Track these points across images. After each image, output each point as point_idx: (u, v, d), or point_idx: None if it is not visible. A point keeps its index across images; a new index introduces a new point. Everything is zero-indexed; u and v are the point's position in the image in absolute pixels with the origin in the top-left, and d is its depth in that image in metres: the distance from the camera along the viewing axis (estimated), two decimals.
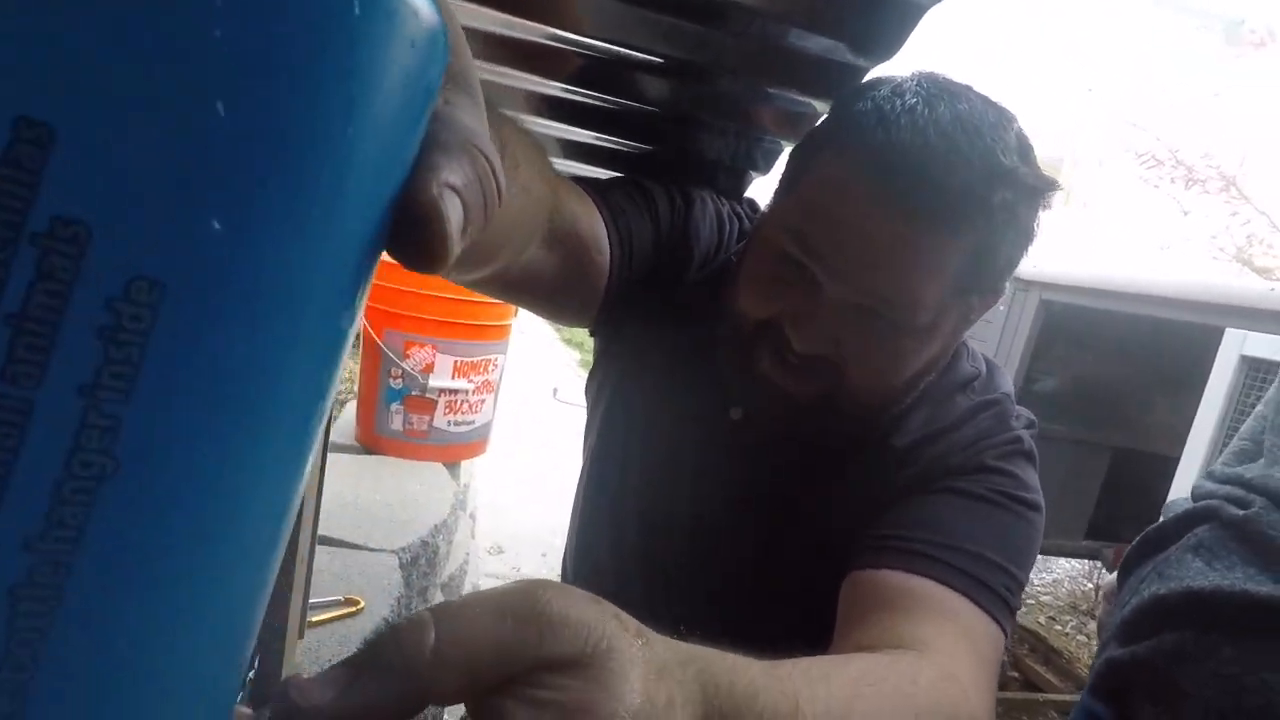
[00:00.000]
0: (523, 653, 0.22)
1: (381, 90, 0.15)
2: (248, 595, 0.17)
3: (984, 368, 0.64)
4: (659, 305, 0.65)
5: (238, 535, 0.16)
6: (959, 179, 0.47)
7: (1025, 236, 0.52)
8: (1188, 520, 0.55)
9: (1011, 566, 0.52)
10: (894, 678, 0.39)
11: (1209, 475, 0.58)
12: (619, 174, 1.01)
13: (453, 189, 0.18)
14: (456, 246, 0.18)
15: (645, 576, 0.74)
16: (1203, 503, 0.54)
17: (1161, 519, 0.59)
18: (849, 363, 0.53)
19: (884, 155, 0.48)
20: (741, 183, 0.96)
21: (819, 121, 0.58)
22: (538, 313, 0.69)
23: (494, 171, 0.20)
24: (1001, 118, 0.50)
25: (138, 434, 0.13)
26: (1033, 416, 0.63)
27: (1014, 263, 0.53)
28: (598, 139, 0.89)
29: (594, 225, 0.57)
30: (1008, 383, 0.65)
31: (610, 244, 0.58)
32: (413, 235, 0.18)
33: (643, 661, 0.25)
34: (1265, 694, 0.44)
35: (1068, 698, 2.51)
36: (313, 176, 0.14)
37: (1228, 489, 0.53)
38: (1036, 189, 0.50)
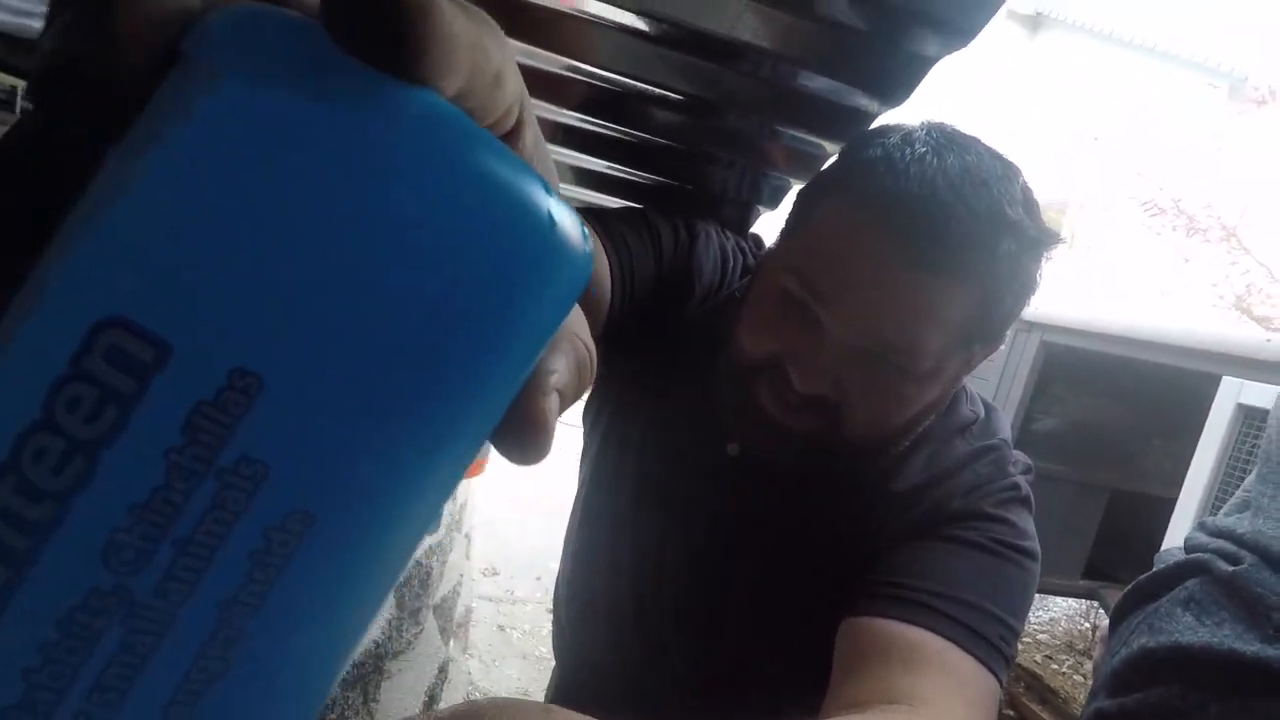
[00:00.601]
0: None
1: (540, 322, 0.16)
2: None
3: (982, 411, 0.65)
4: (659, 337, 0.65)
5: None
6: (965, 229, 0.48)
7: (1028, 287, 0.53)
8: (1179, 572, 0.55)
9: (1008, 617, 0.52)
10: None
11: (1202, 527, 0.58)
12: (627, 202, 1.02)
13: (559, 391, 0.19)
14: (553, 440, 0.20)
15: (639, 609, 0.74)
16: (1194, 555, 0.54)
17: (1155, 568, 0.59)
18: (849, 404, 0.53)
19: (892, 202, 0.48)
20: (748, 217, 0.97)
21: (827, 164, 0.59)
22: None
23: (590, 359, 0.21)
24: (1008, 170, 0.51)
25: (254, 641, 0.14)
26: (1029, 461, 0.63)
27: (1016, 313, 0.54)
28: (608, 168, 0.91)
29: (596, 257, 0.57)
30: (1006, 427, 0.65)
31: (612, 275, 0.58)
32: (520, 439, 0.18)
33: None
34: None
35: None
36: (466, 415, 0.16)
37: (1219, 543, 0.53)
38: (1040, 241, 0.51)
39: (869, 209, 0.50)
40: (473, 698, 2.09)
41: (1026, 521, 0.58)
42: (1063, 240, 0.53)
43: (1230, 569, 0.50)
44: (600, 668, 0.84)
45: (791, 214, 0.58)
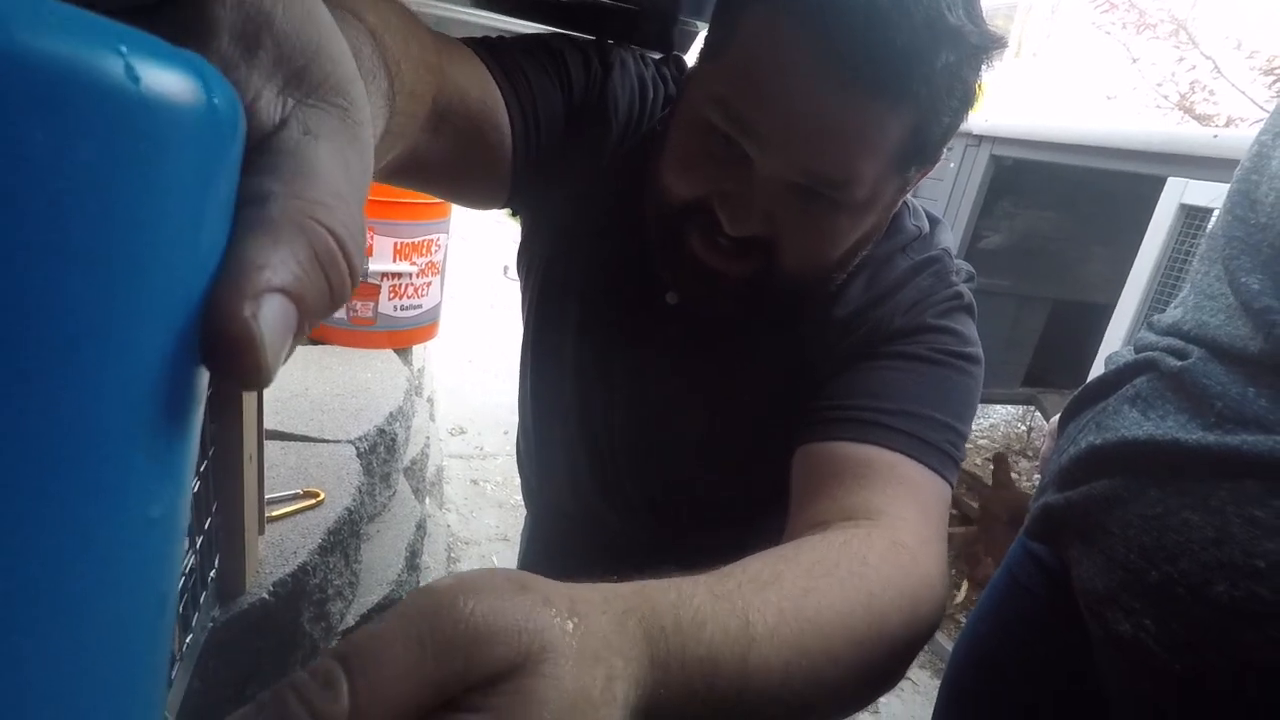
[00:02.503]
0: (450, 684, 0.20)
1: (146, 213, 0.13)
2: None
3: (926, 225, 0.62)
4: (581, 181, 0.59)
5: None
6: (903, 42, 0.43)
7: (967, 100, 0.48)
8: (1128, 371, 0.56)
9: (954, 421, 0.53)
10: (845, 561, 0.40)
11: (1150, 326, 0.59)
12: (535, 26, 0.93)
13: (280, 291, 0.15)
14: (278, 366, 0.15)
15: (593, 459, 0.75)
16: (1144, 354, 0.55)
17: (1105, 369, 0.60)
18: (782, 242, 0.50)
19: (822, 12, 0.43)
20: (669, 30, 0.89)
21: None
22: (439, 197, 0.63)
23: (343, 247, 0.16)
24: None
25: None
26: (971, 269, 0.62)
27: (955, 129, 0.50)
28: None
29: (487, 97, 0.50)
30: (948, 238, 0.63)
31: (511, 115, 0.52)
32: (222, 361, 0.14)
33: (576, 652, 0.23)
34: (1184, 532, 0.46)
35: None
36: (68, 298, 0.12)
37: (1168, 340, 0.54)
38: (981, 48, 0.46)
39: (797, 22, 0.44)
40: (453, 548, 2.19)
41: (969, 328, 0.58)
42: (1005, 44, 0.48)
43: (1178, 364, 0.51)
44: (565, 512, 0.86)
45: (712, 30, 0.51)
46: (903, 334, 0.56)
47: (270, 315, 0.14)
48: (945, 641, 1.97)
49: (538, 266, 0.68)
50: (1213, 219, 1.68)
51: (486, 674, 0.21)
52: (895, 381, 0.53)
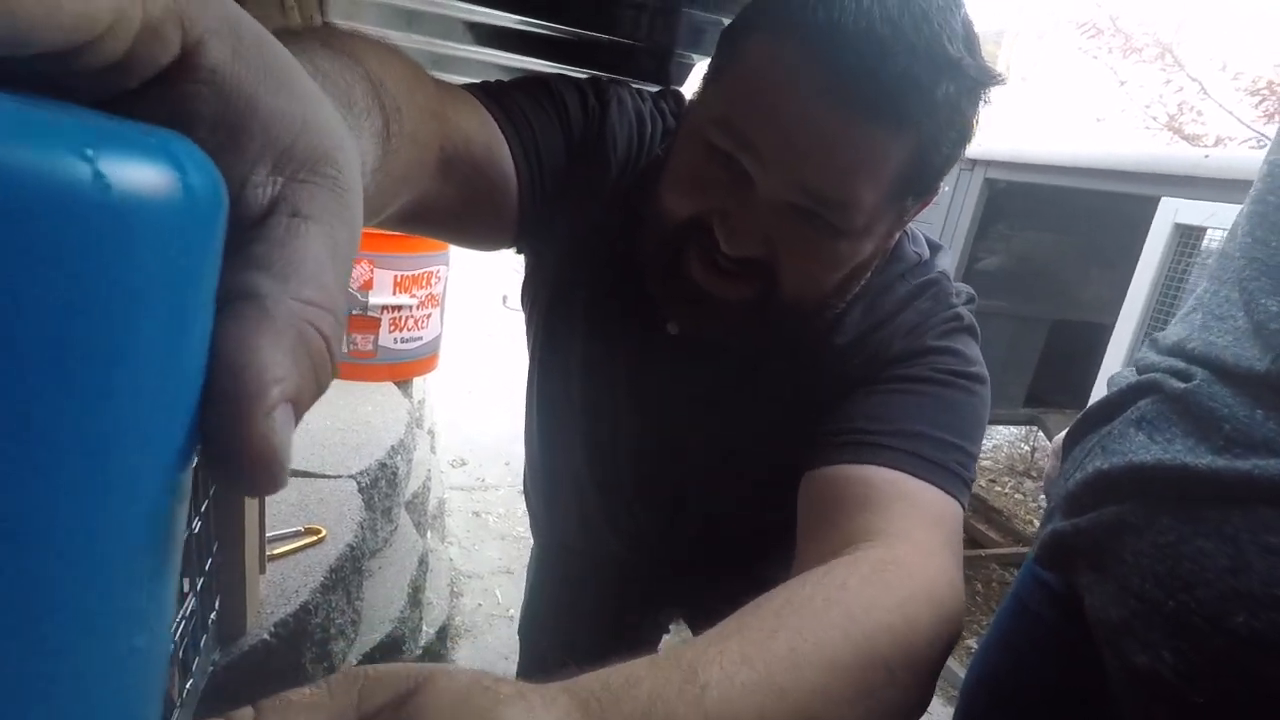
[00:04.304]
0: (346, 713, 0.22)
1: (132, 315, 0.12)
2: None
3: (926, 251, 0.62)
4: (582, 216, 0.59)
5: None
6: (903, 69, 0.43)
7: (965, 134, 0.49)
8: (1131, 393, 0.55)
9: (962, 441, 0.53)
10: (821, 591, 0.39)
11: (1153, 344, 0.59)
12: (539, 62, 0.94)
13: (291, 402, 0.15)
14: (289, 463, 0.15)
15: (601, 491, 0.74)
16: (1146, 375, 0.54)
17: (1108, 391, 0.60)
18: (780, 265, 0.50)
19: (825, 39, 0.44)
20: (666, 67, 0.91)
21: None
22: (448, 242, 0.64)
23: (329, 350, 0.16)
24: (949, 2, 0.46)
25: None
26: (972, 291, 0.63)
27: (952, 162, 0.50)
28: (520, 23, 0.83)
29: (491, 142, 0.51)
30: (948, 262, 0.63)
31: (515, 159, 0.52)
32: (246, 480, 0.14)
33: (476, 673, 0.24)
34: (1199, 560, 0.46)
35: (1007, 550, 2.73)
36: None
37: (1170, 361, 0.53)
38: (980, 82, 0.47)
39: (800, 48, 0.45)
40: (455, 582, 2.16)
41: (971, 348, 0.58)
42: (1002, 80, 0.49)
43: (1181, 386, 0.50)
44: (572, 544, 0.85)
45: (716, 56, 0.52)
46: (903, 357, 0.56)
47: (282, 425, 0.15)
48: (958, 668, 1.94)
49: (542, 301, 0.68)
50: (1207, 238, 1.68)
51: (380, 701, 0.22)
52: (896, 404, 0.53)
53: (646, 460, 0.69)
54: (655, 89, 0.66)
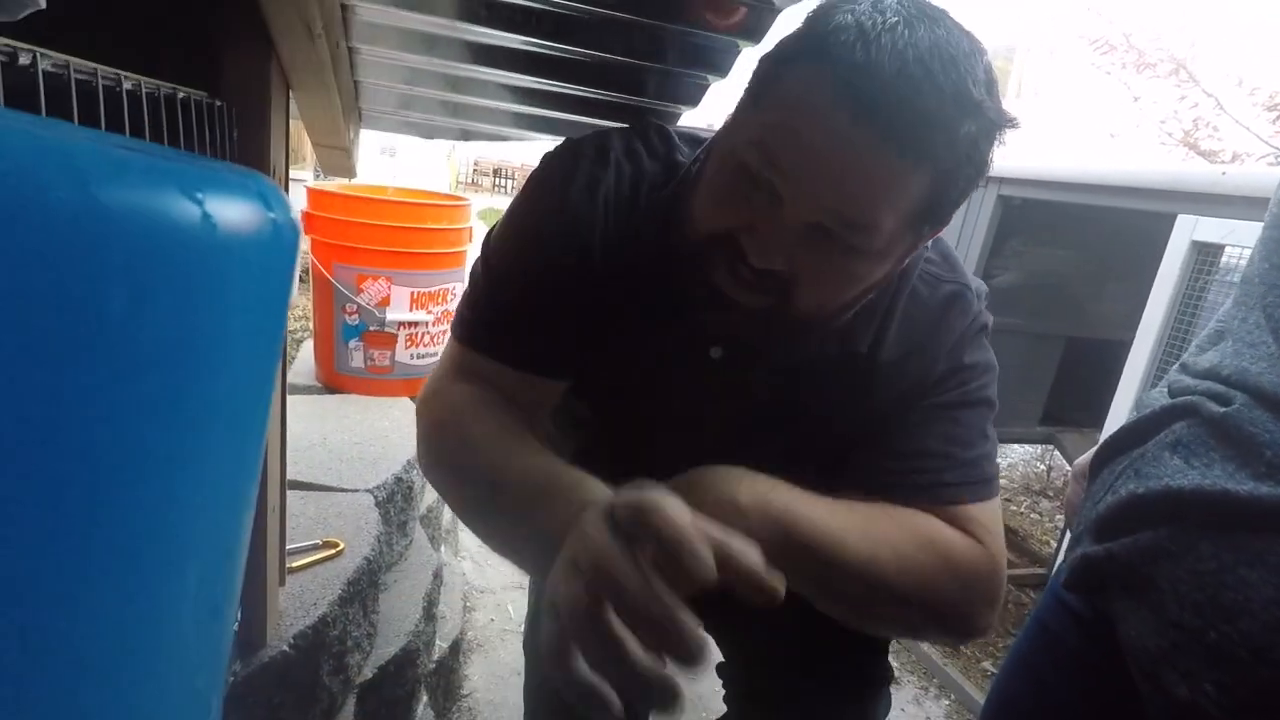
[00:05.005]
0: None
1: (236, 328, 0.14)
2: None
3: (935, 254, 0.68)
4: (614, 277, 0.65)
5: None
6: (931, 107, 0.47)
7: (980, 171, 0.53)
8: (1166, 416, 0.55)
9: (990, 447, 0.64)
10: (875, 507, 0.57)
11: (1184, 368, 0.58)
12: (573, 86, 0.96)
13: None
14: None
15: None
16: (1182, 399, 0.54)
17: (1136, 413, 0.59)
18: (799, 281, 0.54)
19: (862, 75, 0.47)
20: (678, 88, 0.93)
21: (792, 32, 0.55)
22: None
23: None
24: (974, 48, 0.50)
25: None
26: (983, 284, 0.69)
27: (966, 195, 0.54)
28: (540, 46, 0.84)
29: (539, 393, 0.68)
30: (960, 264, 0.69)
31: (551, 385, 0.67)
32: None
33: None
34: (1242, 590, 0.45)
35: (1023, 572, 2.69)
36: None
37: (1207, 384, 0.53)
38: (997, 124, 0.51)
39: (837, 81, 0.48)
40: (469, 596, 2.16)
41: (988, 350, 0.67)
42: (1018, 124, 0.53)
43: (1221, 410, 0.50)
44: None
45: (753, 84, 0.55)
46: (945, 380, 0.63)
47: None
48: (976, 693, 1.92)
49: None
50: (1225, 255, 1.67)
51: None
52: (945, 435, 0.62)
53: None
54: (623, 128, 0.70)
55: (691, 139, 0.69)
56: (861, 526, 0.56)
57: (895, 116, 0.47)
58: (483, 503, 0.59)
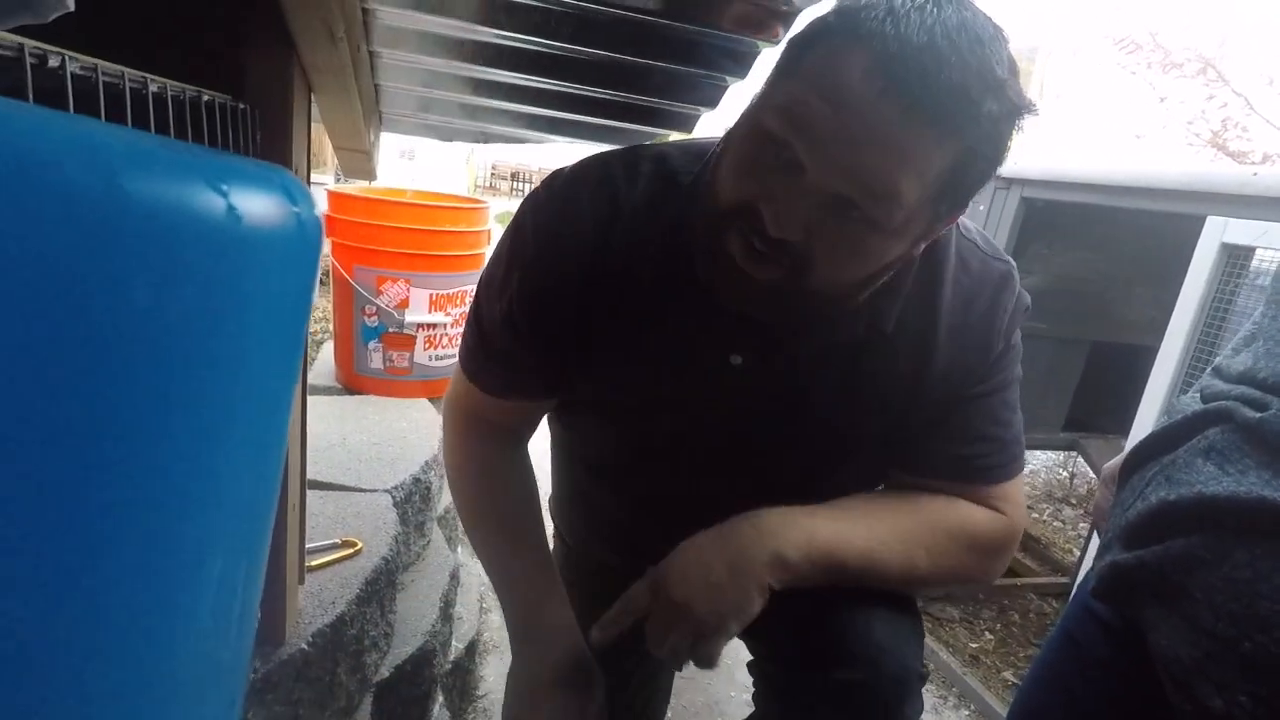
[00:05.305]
0: None
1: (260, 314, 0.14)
2: None
3: (980, 233, 0.69)
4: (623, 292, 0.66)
5: None
6: (957, 82, 0.48)
7: (999, 154, 0.53)
8: (1198, 421, 0.54)
9: (1021, 423, 0.69)
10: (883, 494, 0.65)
11: (1217, 373, 0.57)
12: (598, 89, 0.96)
13: None
14: None
15: (664, 522, 0.76)
16: (1215, 404, 0.53)
17: (1167, 418, 0.58)
18: (815, 254, 0.54)
19: (891, 47, 0.48)
20: (696, 89, 0.93)
21: (823, 14, 0.56)
22: None
23: None
24: (998, 33, 0.51)
25: None
26: (1014, 264, 0.71)
27: (986, 178, 0.55)
28: (560, 49, 0.84)
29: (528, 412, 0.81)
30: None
31: (539, 404, 0.79)
32: None
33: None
34: (1278, 598, 0.44)
35: (1045, 580, 2.65)
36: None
37: (1242, 389, 0.52)
38: (1019, 108, 0.52)
39: (867, 52, 0.49)
40: (485, 597, 2.16)
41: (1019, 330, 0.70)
42: (1036, 111, 0.54)
43: (1256, 415, 0.49)
44: (608, 560, 0.86)
45: (781, 61, 0.56)
46: (999, 361, 0.67)
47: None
48: (998, 705, 1.89)
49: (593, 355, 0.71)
50: (1256, 258, 1.63)
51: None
52: (996, 417, 0.67)
53: (716, 490, 0.71)
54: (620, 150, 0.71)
55: (689, 151, 0.69)
56: (897, 535, 0.63)
57: (921, 87, 0.48)
58: (482, 559, 0.79)
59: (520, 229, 0.68)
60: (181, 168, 0.11)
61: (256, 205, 0.13)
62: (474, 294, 0.76)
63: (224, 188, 0.12)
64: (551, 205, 0.66)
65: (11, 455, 0.11)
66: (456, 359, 0.80)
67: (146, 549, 0.12)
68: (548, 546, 0.80)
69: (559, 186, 0.67)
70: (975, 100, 0.49)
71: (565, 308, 0.66)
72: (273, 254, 0.13)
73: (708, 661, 0.62)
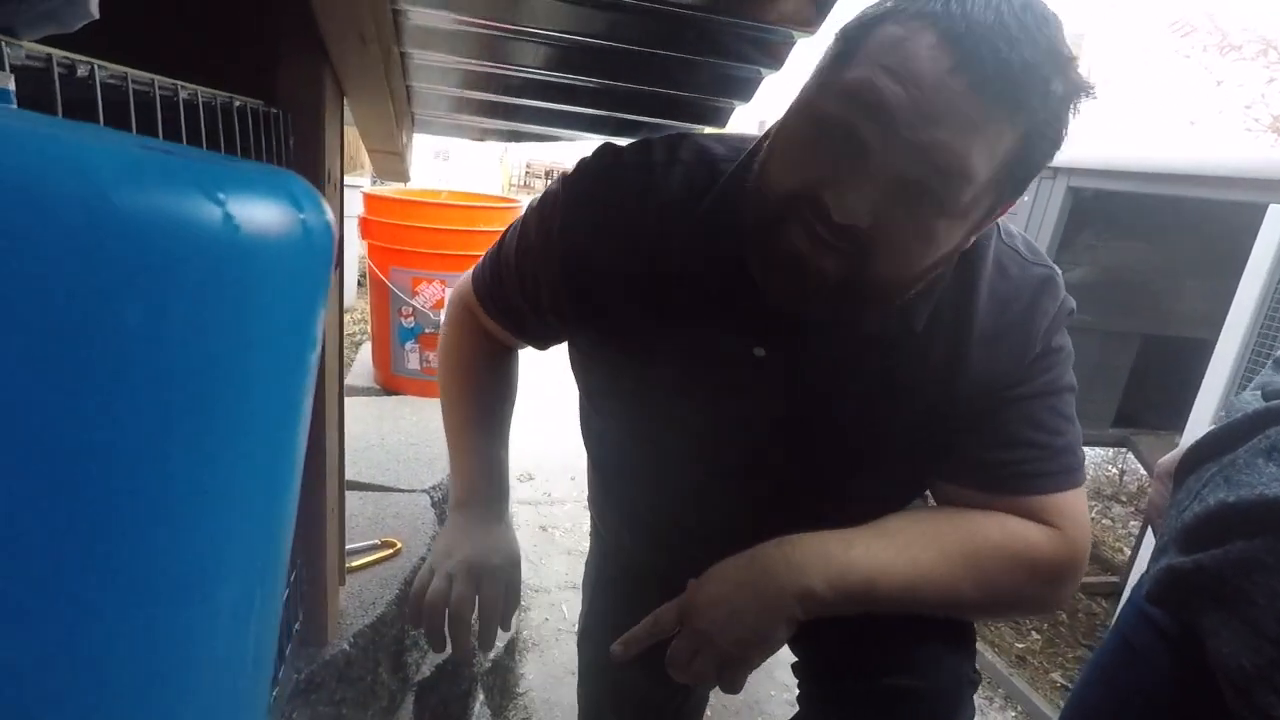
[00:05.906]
0: None
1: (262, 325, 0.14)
2: None
3: (1024, 240, 0.67)
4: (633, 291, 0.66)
5: None
6: (1029, 59, 0.47)
7: (1059, 137, 0.52)
8: (1259, 420, 0.51)
9: (1077, 433, 0.65)
10: (930, 513, 0.64)
11: (1278, 367, 0.54)
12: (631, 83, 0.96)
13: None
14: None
15: (686, 518, 0.75)
16: (1277, 401, 0.50)
17: (1226, 416, 0.55)
18: (879, 240, 0.52)
19: (958, 25, 0.48)
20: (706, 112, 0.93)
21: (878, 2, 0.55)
22: None
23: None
24: (1057, 17, 0.51)
25: None
26: (1057, 268, 0.68)
27: (1044, 162, 0.54)
28: (595, 43, 0.84)
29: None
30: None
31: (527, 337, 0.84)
32: None
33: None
34: None
35: (1095, 580, 2.57)
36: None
37: None
38: (1081, 89, 0.51)
39: (933, 31, 0.49)
40: (524, 596, 2.18)
41: (1067, 336, 0.67)
42: (1095, 94, 0.53)
43: None
44: (644, 559, 0.86)
45: (837, 45, 0.55)
46: (1037, 364, 0.63)
47: None
48: (1049, 709, 1.84)
49: (603, 344, 0.72)
50: None
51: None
52: (1041, 423, 0.63)
53: (745, 487, 0.70)
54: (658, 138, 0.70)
55: (729, 144, 0.68)
56: (939, 559, 0.60)
57: (994, 63, 0.47)
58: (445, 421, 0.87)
59: (553, 196, 0.69)
60: (176, 176, 0.11)
61: (257, 213, 0.12)
62: (501, 235, 0.80)
63: (221, 196, 0.11)
64: (592, 172, 0.68)
65: None
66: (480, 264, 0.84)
67: (146, 579, 0.12)
68: (505, 439, 0.90)
69: (605, 157, 0.68)
70: (1045, 78, 0.48)
71: (586, 277, 0.66)
72: (276, 264, 0.12)
73: (731, 688, 0.61)
